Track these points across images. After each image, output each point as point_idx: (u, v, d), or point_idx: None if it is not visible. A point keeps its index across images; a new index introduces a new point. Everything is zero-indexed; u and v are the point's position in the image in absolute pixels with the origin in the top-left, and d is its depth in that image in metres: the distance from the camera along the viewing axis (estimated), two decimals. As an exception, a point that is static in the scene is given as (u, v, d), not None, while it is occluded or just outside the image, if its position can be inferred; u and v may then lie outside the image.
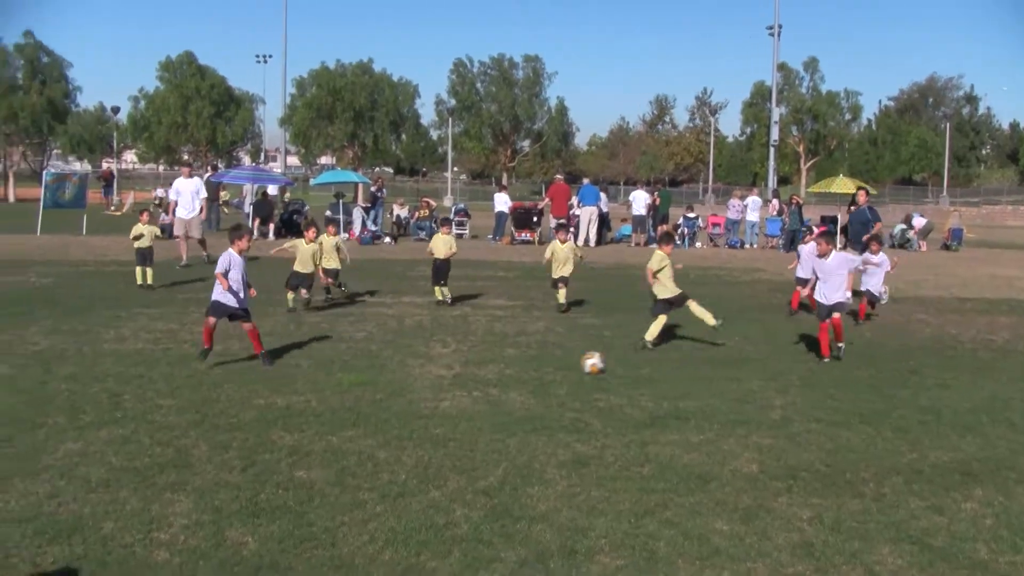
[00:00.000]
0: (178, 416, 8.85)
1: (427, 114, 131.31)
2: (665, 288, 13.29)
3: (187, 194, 21.69)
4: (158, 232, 19.72)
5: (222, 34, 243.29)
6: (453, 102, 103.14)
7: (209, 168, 49.21)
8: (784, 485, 7.28)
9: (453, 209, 40.02)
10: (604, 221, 35.93)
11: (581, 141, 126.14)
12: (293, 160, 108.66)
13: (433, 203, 40.65)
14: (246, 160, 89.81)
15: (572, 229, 34.72)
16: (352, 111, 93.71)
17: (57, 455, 7.60)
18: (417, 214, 37.00)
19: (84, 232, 32.06)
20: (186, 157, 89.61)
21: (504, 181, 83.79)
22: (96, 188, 57.16)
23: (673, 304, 13.29)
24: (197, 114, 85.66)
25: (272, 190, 38.56)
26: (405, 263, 24.73)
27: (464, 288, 18.45)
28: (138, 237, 18.19)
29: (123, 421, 8.66)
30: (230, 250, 11.36)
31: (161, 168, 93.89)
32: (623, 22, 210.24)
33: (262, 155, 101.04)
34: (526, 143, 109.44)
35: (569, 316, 15.85)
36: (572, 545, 6.01)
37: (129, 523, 6.13)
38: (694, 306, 13.36)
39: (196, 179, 22.14)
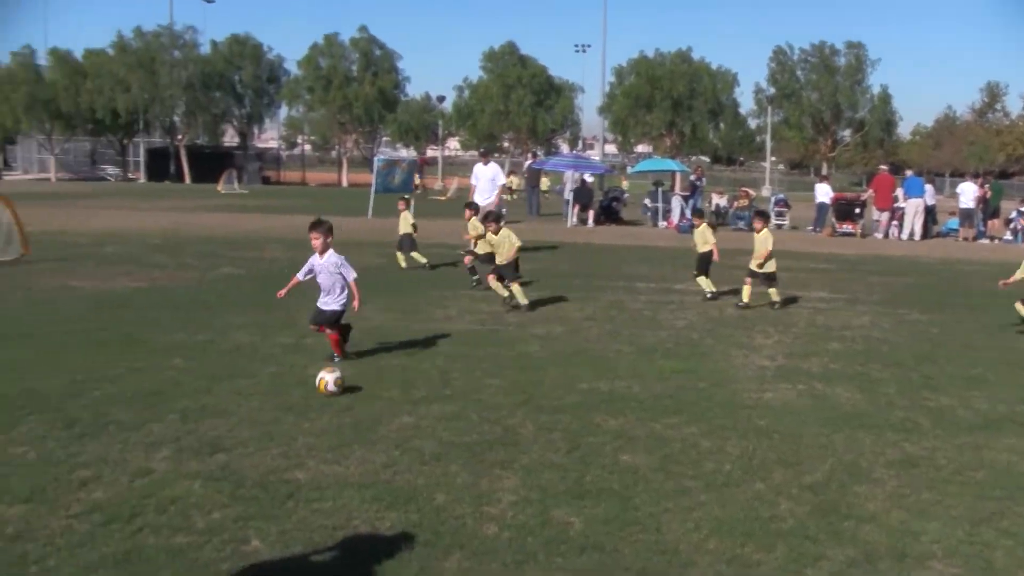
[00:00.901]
0: (504, 396, 9.06)
1: (746, 103, 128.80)
2: None
3: (484, 180, 21.96)
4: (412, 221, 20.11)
5: (543, 25, 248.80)
6: (772, 90, 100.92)
7: (530, 155, 50.30)
8: None
9: (772, 199, 39.29)
10: (930, 214, 34.27)
11: (904, 131, 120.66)
12: (611, 148, 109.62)
13: (752, 192, 40.03)
14: (564, 148, 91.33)
15: (896, 221, 33.35)
16: (670, 99, 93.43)
17: (392, 427, 7.95)
18: (736, 203, 36.56)
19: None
20: (506, 144, 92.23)
21: (824, 171, 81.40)
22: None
23: None
24: (518, 102, 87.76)
25: (590, 178, 39.01)
26: (726, 253, 24.39)
27: (784, 280, 18.02)
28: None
29: (452, 398, 8.96)
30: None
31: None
32: (948, 3, 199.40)
33: (580, 143, 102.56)
34: (847, 132, 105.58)
35: (896, 312, 15.16)
36: (903, 548, 5.72)
37: (460, 496, 6.33)
38: None
39: (493, 165, 22.23)
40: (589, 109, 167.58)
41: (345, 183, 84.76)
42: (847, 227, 33.62)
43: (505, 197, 35.34)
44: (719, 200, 38.05)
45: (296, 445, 7.36)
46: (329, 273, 10.47)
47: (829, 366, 10.89)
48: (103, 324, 12.39)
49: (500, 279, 14.35)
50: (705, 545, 5.68)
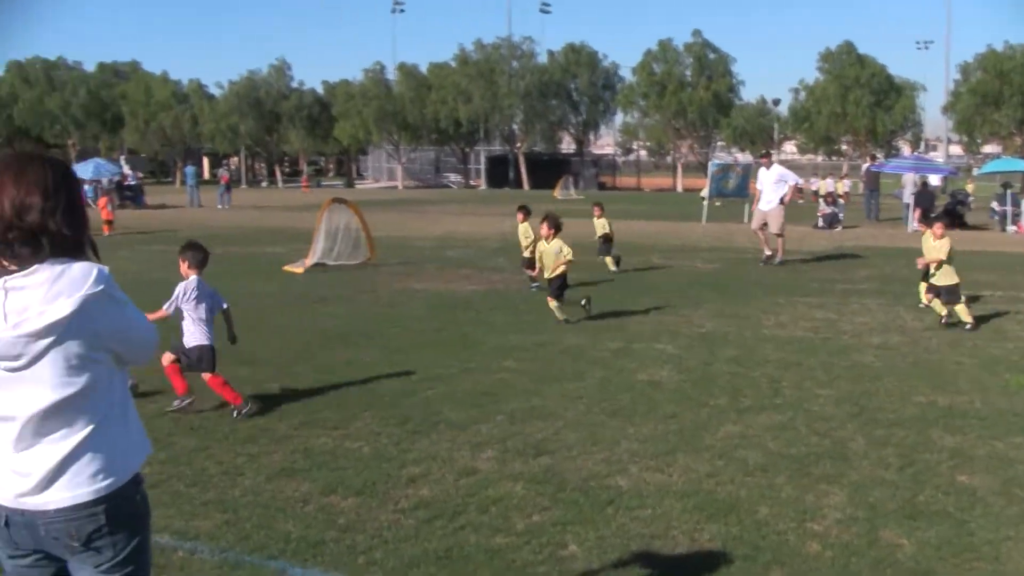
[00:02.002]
0: (835, 407, 8.73)
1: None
2: None
3: (768, 184, 21.03)
4: None
5: (882, 22, 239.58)
6: None
7: (868, 158, 48.46)
8: None
9: None
10: None
11: None
12: (955, 149, 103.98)
13: None
14: (905, 149, 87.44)
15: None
16: (1021, 95, 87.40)
17: (717, 435, 7.82)
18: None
19: (745, 220, 32.99)
20: (844, 147, 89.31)
21: None
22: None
23: None
24: (856, 103, 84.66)
25: (934, 180, 37.13)
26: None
27: None
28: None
29: (781, 407, 8.72)
30: None
31: (819, 159, 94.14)
32: None
33: (922, 144, 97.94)
34: None
35: None
36: None
37: (783, 510, 6.12)
38: None
39: (777, 167, 21.16)
40: (932, 109, 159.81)
41: (680, 188, 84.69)
42: None
43: (836, 201, 34.28)
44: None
45: (619, 450, 7.37)
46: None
47: None
48: (441, 325, 12.92)
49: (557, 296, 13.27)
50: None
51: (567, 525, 5.85)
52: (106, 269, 3.05)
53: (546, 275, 13.60)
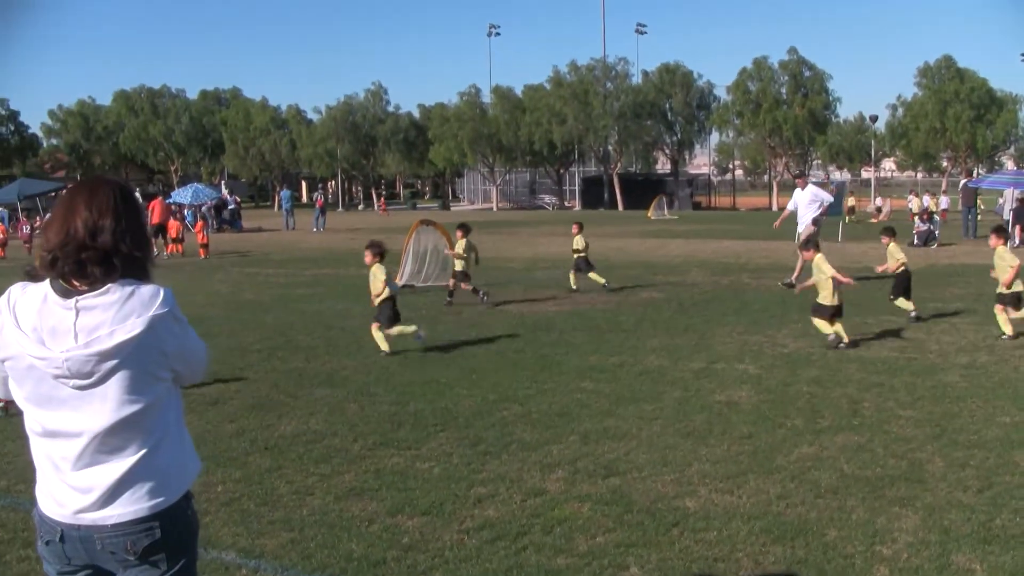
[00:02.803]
0: (915, 428, 8.55)
1: None
2: None
3: (802, 206, 20.57)
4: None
5: (984, 35, 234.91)
6: None
7: (964, 174, 47.46)
8: None
9: None
10: None
11: None
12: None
13: None
14: (1009, 164, 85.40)
15: None
16: None
17: (791, 457, 7.72)
18: None
19: (840, 239, 32.52)
20: (944, 164, 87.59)
21: None
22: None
23: None
24: (956, 119, 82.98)
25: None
26: None
27: None
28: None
29: (859, 428, 8.58)
30: None
31: (919, 175, 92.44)
32: None
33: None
34: None
35: None
36: None
37: (853, 533, 6.02)
38: None
39: (812, 188, 20.58)
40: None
41: (775, 207, 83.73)
42: None
43: (932, 218, 33.56)
44: None
45: (690, 472, 7.32)
46: None
47: None
48: (521, 346, 12.96)
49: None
50: None
51: (630, 547, 5.82)
52: (171, 291, 3.15)
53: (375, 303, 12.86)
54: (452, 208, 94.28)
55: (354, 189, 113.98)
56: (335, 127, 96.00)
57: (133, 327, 3.00)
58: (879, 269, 15.69)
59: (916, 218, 36.25)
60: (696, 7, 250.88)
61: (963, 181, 37.21)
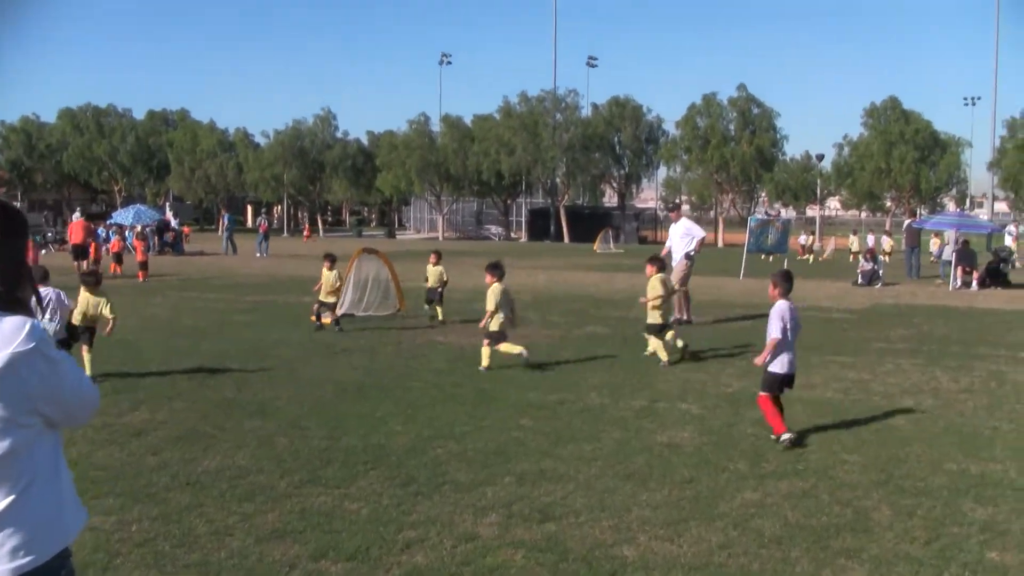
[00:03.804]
0: (861, 474, 8.35)
1: None
2: None
3: (675, 239, 19.93)
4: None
5: (928, 78, 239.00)
6: None
7: (908, 214, 47.87)
8: None
9: None
10: None
11: None
12: (1001, 206, 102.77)
13: None
14: (950, 206, 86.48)
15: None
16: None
17: (734, 503, 7.47)
18: None
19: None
20: (888, 204, 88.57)
21: None
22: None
23: None
24: (901, 159, 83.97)
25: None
26: None
27: None
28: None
29: (804, 473, 8.36)
30: None
31: (863, 215, 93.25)
32: None
33: (968, 201, 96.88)
34: None
35: None
36: None
37: (798, 587, 5.77)
38: None
39: (684, 221, 19.78)
40: (979, 165, 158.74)
41: (720, 243, 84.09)
42: None
43: (876, 258, 33.72)
44: None
45: (629, 517, 7.04)
46: None
47: None
48: (460, 380, 12.64)
49: None
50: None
51: (564, 598, 5.53)
52: (41, 324, 2.81)
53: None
54: (398, 236, 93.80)
55: (300, 215, 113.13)
56: (283, 152, 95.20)
57: None
58: (641, 300, 15.08)
59: (860, 257, 36.45)
60: (648, 42, 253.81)
61: (907, 221, 37.43)
